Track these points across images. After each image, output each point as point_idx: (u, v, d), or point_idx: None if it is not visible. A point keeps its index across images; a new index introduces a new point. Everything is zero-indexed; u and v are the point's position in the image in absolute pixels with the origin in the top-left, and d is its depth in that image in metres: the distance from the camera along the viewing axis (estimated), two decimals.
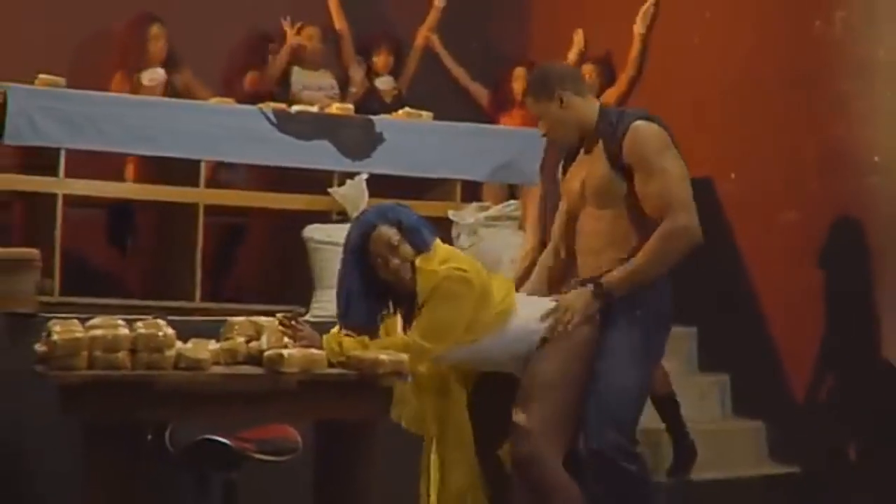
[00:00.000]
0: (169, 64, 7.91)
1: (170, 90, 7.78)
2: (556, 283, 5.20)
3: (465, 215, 7.33)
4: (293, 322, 4.79)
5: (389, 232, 4.84)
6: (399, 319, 4.96)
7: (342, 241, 6.73)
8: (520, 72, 8.60)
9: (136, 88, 7.66)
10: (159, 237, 7.55)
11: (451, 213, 7.34)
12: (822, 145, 7.26)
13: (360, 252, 4.87)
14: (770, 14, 7.69)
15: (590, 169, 4.98)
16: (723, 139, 7.85)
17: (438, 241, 4.97)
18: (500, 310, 4.88)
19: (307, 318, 6.73)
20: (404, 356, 4.58)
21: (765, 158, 7.60)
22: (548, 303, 4.94)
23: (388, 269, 4.83)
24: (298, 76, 8.51)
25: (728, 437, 7.33)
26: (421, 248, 4.85)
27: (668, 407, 6.55)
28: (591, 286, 4.84)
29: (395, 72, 8.87)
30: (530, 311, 4.91)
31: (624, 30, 8.59)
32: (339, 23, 8.92)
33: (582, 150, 5.08)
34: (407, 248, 4.83)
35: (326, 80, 8.61)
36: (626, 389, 4.78)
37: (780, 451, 7.40)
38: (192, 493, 5.51)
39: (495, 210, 7.38)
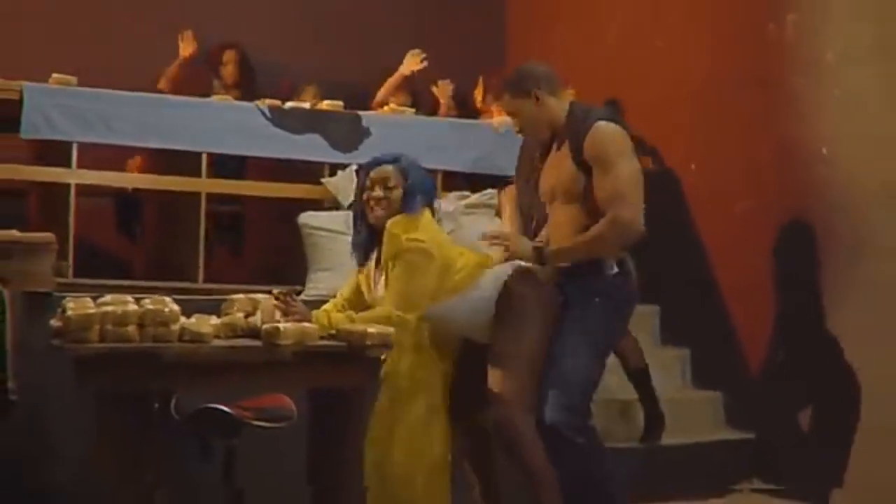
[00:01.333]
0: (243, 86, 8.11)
1: None
2: None
3: (446, 203, 7.37)
4: (288, 298, 4.86)
5: (392, 172, 4.98)
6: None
7: (333, 227, 6.88)
8: (480, 79, 8.63)
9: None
10: (165, 224, 7.64)
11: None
12: (776, 139, 7.33)
13: (363, 182, 5.02)
14: (726, 17, 7.78)
15: (559, 165, 5.01)
16: (684, 134, 7.93)
17: (428, 211, 5.04)
18: (462, 275, 4.97)
19: (302, 297, 6.84)
20: (391, 329, 4.64)
21: (723, 151, 7.69)
22: (506, 268, 4.99)
23: (370, 198, 4.95)
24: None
25: (688, 406, 7.41)
26: (409, 206, 4.95)
27: (642, 380, 6.61)
28: (536, 251, 4.91)
29: None
30: (488, 278, 4.96)
31: (597, 31, 8.67)
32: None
33: (554, 147, 5.10)
34: (398, 194, 4.94)
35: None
36: (578, 372, 4.82)
37: (736, 419, 7.51)
38: (196, 457, 5.55)
39: (474, 198, 7.43)
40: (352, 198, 5.97)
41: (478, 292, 4.92)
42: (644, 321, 7.57)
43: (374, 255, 5.11)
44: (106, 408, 4.55)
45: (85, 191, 7.17)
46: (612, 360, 6.03)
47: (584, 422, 4.86)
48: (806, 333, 7.10)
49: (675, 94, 7.98)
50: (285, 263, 7.38)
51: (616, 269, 4.92)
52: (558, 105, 5.07)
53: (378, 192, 4.94)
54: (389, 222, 4.93)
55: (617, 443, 6.84)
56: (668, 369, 7.58)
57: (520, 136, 5.37)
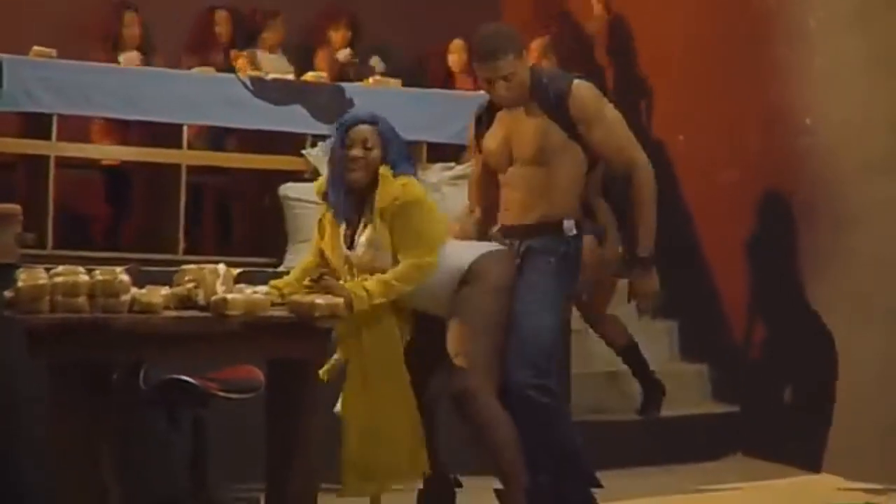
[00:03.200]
0: (144, 48, 7.94)
1: None
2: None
3: (430, 174, 7.34)
4: (322, 279, 4.81)
5: (370, 132, 4.87)
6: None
7: (314, 198, 6.82)
8: (458, 44, 8.55)
9: None
10: (146, 196, 7.61)
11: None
12: (760, 110, 7.30)
13: (340, 142, 4.90)
14: None
15: (520, 127, 4.94)
16: (671, 105, 7.89)
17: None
18: (443, 227, 4.94)
19: (280, 269, 6.82)
20: (339, 300, 4.59)
21: (708, 122, 7.64)
22: (478, 245, 4.97)
23: (348, 160, 4.84)
24: (263, 60, 8.29)
25: (675, 378, 7.34)
26: (396, 167, 4.85)
27: (631, 354, 6.57)
28: (641, 265, 4.94)
29: (352, 44, 8.60)
30: (466, 252, 4.90)
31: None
32: None
33: (499, 112, 5.03)
34: (376, 153, 4.85)
35: (283, 64, 8.36)
36: (539, 330, 4.80)
37: (722, 392, 7.49)
38: (164, 428, 5.56)
39: (458, 169, 7.40)
40: None
41: (446, 267, 4.86)
42: None
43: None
44: (58, 380, 4.54)
45: (71, 163, 7.16)
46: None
47: (549, 381, 4.84)
48: (790, 307, 7.05)
49: (660, 65, 7.93)
50: (267, 235, 7.35)
51: (574, 231, 4.94)
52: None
53: (357, 152, 4.85)
54: (381, 169, 4.84)
55: (609, 415, 6.84)
56: (656, 342, 7.53)
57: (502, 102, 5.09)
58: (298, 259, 6.81)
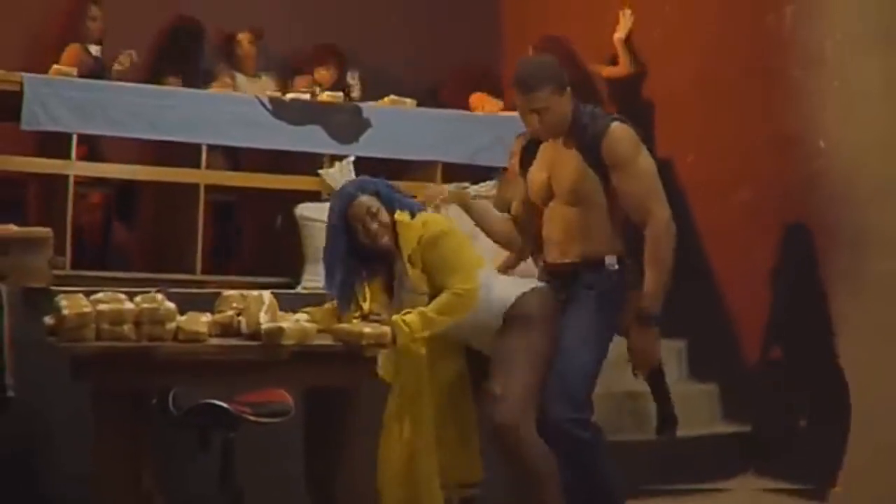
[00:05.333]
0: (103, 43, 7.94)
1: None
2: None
3: None
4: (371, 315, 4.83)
5: (369, 200, 4.84)
6: (367, 289, 4.95)
7: None
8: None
9: (87, 59, 7.70)
10: (163, 215, 7.58)
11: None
12: (774, 131, 7.27)
13: (341, 221, 4.87)
14: (724, 8, 7.68)
15: (560, 165, 4.94)
16: (682, 124, 7.87)
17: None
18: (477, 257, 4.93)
19: (298, 289, 6.81)
20: (386, 329, 4.60)
21: (721, 142, 7.61)
22: (521, 282, 4.97)
23: (367, 234, 4.83)
24: (242, 83, 8.23)
25: (685, 398, 7.28)
26: (401, 208, 4.86)
27: (655, 378, 6.57)
28: (639, 320, 4.86)
29: (337, 87, 8.31)
30: (511, 289, 4.91)
31: (595, 22, 8.61)
32: None
33: (543, 144, 5.03)
34: (385, 214, 4.84)
35: (269, 87, 8.25)
36: (578, 365, 4.81)
37: (732, 412, 7.45)
38: (195, 451, 5.54)
39: (472, 190, 7.37)
40: None
41: (491, 303, 4.87)
42: None
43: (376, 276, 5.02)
44: (102, 405, 4.54)
45: (83, 180, 7.13)
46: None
47: (588, 416, 4.85)
48: (802, 326, 7.04)
49: (672, 85, 7.91)
50: (281, 255, 7.33)
51: (617, 266, 4.91)
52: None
53: (372, 225, 4.85)
54: (396, 216, 4.85)
55: (621, 436, 6.83)
56: (665, 361, 7.21)
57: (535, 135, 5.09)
58: (316, 280, 6.84)
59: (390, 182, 5.06)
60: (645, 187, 4.84)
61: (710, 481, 7.05)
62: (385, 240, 4.84)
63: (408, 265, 4.81)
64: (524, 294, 4.87)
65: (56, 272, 6.12)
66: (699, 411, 7.43)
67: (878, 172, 6.66)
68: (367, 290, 4.92)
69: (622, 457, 6.53)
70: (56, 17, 8.07)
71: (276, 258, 7.41)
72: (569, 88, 4.93)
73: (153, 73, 7.90)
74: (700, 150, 7.77)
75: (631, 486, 6.11)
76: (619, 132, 4.85)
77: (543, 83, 4.86)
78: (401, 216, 4.84)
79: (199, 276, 6.90)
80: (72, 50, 7.68)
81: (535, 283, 4.98)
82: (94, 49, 7.87)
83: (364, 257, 4.91)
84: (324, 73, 8.40)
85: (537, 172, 5.05)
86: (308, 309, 4.94)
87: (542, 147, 5.05)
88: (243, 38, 8.38)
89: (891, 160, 6.59)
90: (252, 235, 8.05)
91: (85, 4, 7.91)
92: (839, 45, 6.89)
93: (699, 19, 7.85)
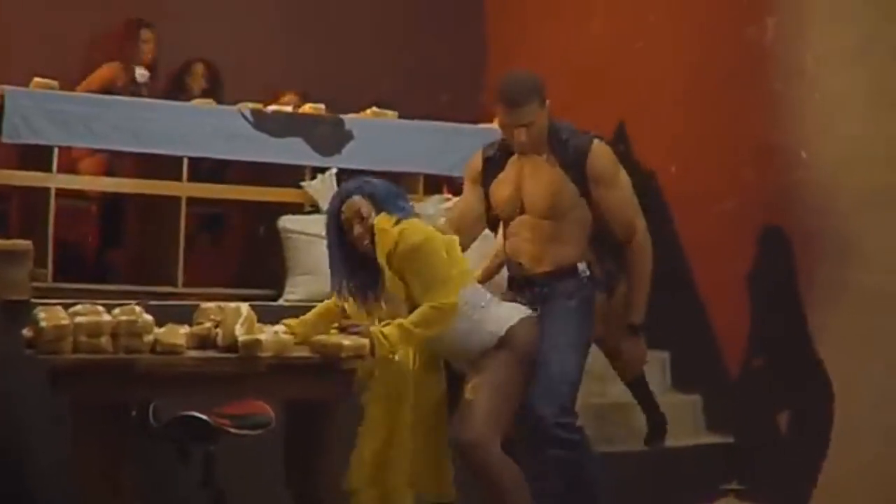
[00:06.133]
0: (154, 67, 7.96)
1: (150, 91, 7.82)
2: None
3: (427, 206, 7.32)
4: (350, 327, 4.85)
5: (360, 202, 4.83)
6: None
7: (313, 231, 6.80)
8: None
9: (130, 81, 7.71)
10: (144, 227, 7.57)
11: (413, 205, 7.34)
12: (755, 142, 7.29)
13: (335, 220, 4.88)
14: (705, 20, 7.71)
15: (535, 179, 4.99)
16: (664, 136, 7.89)
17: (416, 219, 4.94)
18: (461, 268, 4.90)
19: (280, 302, 6.80)
20: (365, 341, 4.59)
21: (703, 153, 7.64)
22: (516, 309, 4.96)
23: (353, 237, 4.83)
24: None
25: (668, 409, 7.23)
26: (388, 211, 4.84)
27: (641, 385, 6.58)
28: (629, 330, 5.04)
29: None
30: (506, 315, 4.92)
31: (577, 34, 8.62)
32: None
33: (512, 158, 5.06)
34: (374, 218, 4.82)
35: None
36: (569, 372, 4.87)
37: (715, 423, 7.47)
38: (175, 464, 5.53)
39: (454, 202, 7.39)
40: None
41: (485, 328, 4.88)
42: None
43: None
44: (81, 417, 4.54)
45: (67, 193, 7.11)
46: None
47: (575, 419, 4.90)
48: (784, 337, 7.06)
49: (654, 96, 7.93)
50: (263, 267, 7.32)
51: (588, 272, 5.01)
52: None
53: (358, 229, 4.85)
54: (376, 220, 4.82)
55: (609, 447, 6.81)
56: (649, 373, 7.26)
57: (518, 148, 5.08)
58: (297, 292, 6.83)
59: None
60: (628, 202, 5.00)
61: (695, 492, 7.04)
62: (366, 244, 4.83)
63: (386, 270, 4.80)
64: (518, 322, 4.89)
65: (36, 285, 6.12)
66: (683, 422, 7.42)
67: (858, 183, 6.67)
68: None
69: (608, 468, 6.57)
70: (110, 38, 8.18)
71: (260, 270, 7.39)
72: (548, 102, 4.98)
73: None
74: (682, 162, 7.79)
75: (619, 498, 6.13)
76: (602, 148, 5.00)
77: (532, 97, 4.92)
78: (381, 221, 4.81)
79: (180, 289, 6.87)
80: (107, 69, 7.74)
81: (527, 311, 4.97)
82: (141, 72, 7.93)
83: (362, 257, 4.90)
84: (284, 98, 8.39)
85: (503, 187, 5.08)
86: (287, 321, 4.93)
87: (511, 161, 5.07)
88: (289, 99, 8.33)
89: (871, 171, 6.61)
90: (236, 248, 8.03)
91: (137, 28, 8.01)
92: (820, 58, 6.92)
93: (680, 30, 7.86)
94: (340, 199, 4.90)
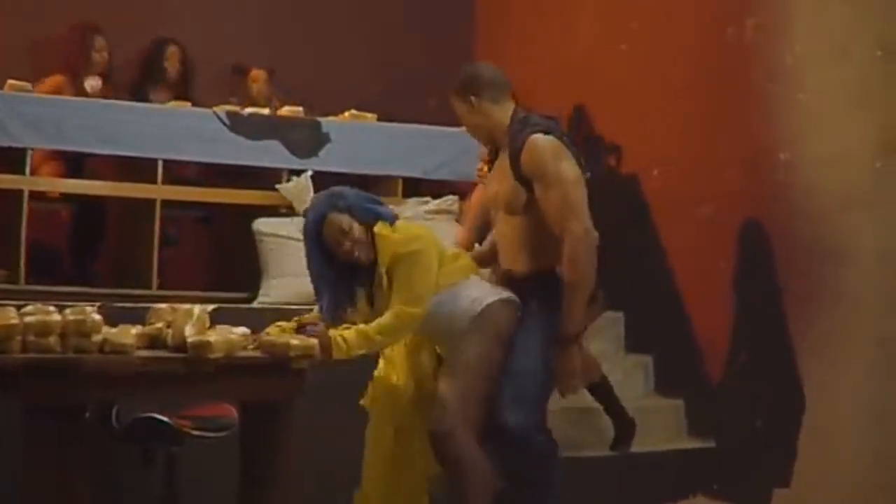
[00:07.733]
0: (108, 75, 7.89)
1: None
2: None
3: (406, 209, 7.28)
4: (307, 326, 4.85)
5: (340, 218, 4.80)
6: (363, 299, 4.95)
7: (288, 233, 6.76)
8: None
9: (80, 93, 7.62)
10: (119, 230, 7.53)
11: (392, 208, 7.30)
12: (737, 145, 7.23)
13: (316, 241, 4.85)
14: (687, 22, 7.66)
15: (502, 176, 4.92)
16: (647, 139, 7.83)
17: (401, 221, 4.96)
18: (459, 264, 4.93)
19: (254, 304, 6.75)
20: (314, 341, 4.55)
21: (685, 157, 7.58)
22: (492, 290, 4.92)
23: (341, 252, 4.81)
24: None
25: (650, 413, 7.29)
26: (374, 221, 4.83)
27: (602, 391, 6.53)
28: (563, 342, 4.77)
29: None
30: (479, 293, 4.88)
31: (563, 36, 8.57)
32: None
33: (499, 156, 5.00)
34: (357, 229, 4.79)
35: None
36: (535, 374, 4.78)
37: (697, 427, 7.40)
38: (137, 466, 5.48)
39: (434, 204, 7.35)
40: (306, 204, 5.83)
41: (461, 310, 4.85)
42: (608, 328, 7.52)
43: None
44: (30, 418, 4.46)
45: (39, 196, 7.07)
46: None
47: (544, 422, 4.84)
48: (766, 342, 6.99)
49: (637, 98, 7.87)
50: (238, 270, 7.27)
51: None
52: (500, 112, 4.95)
53: (345, 244, 4.82)
54: (376, 228, 4.83)
55: (582, 451, 6.76)
56: (631, 376, 7.49)
57: None
58: (271, 295, 6.78)
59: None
60: (561, 202, 4.73)
61: (675, 496, 7.00)
62: (359, 255, 4.82)
63: (385, 278, 4.80)
64: (493, 302, 4.84)
65: (7, 286, 6.12)
66: (664, 426, 7.39)
67: (840, 186, 6.61)
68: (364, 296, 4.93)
69: (585, 474, 6.52)
70: (60, 45, 8.01)
71: (236, 273, 7.35)
72: (472, 99, 4.94)
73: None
74: (664, 165, 7.73)
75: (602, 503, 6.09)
76: (537, 143, 4.79)
77: (453, 89, 4.98)
78: (381, 228, 4.82)
79: (155, 292, 6.82)
80: (52, 81, 7.63)
81: (503, 293, 4.92)
82: (93, 81, 7.80)
83: (348, 270, 4.89)
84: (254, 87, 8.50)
85: (490, 182, 5.07)
86: (281, 323, 4.93)
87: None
88: (258, 74, 8.44)
89: (853, 173, 6.54)
90: (211, 250, 7.98)
91: (90, 35, 7.89)
92: (800, 59, 6.85)
93: (662, 32, 7.81)
94: (316, 222, 4.85)
